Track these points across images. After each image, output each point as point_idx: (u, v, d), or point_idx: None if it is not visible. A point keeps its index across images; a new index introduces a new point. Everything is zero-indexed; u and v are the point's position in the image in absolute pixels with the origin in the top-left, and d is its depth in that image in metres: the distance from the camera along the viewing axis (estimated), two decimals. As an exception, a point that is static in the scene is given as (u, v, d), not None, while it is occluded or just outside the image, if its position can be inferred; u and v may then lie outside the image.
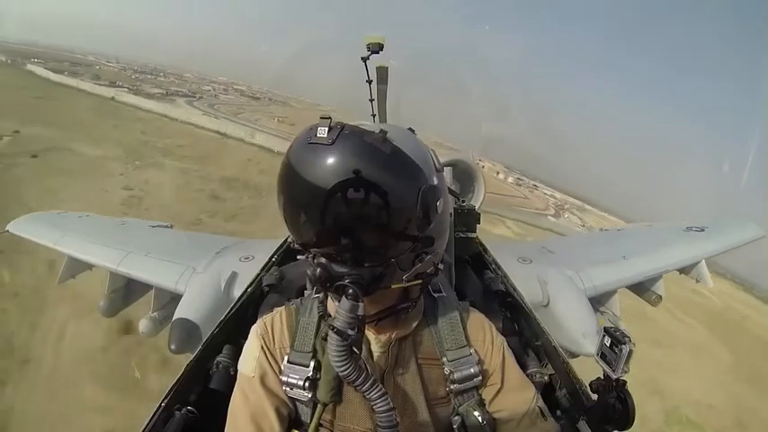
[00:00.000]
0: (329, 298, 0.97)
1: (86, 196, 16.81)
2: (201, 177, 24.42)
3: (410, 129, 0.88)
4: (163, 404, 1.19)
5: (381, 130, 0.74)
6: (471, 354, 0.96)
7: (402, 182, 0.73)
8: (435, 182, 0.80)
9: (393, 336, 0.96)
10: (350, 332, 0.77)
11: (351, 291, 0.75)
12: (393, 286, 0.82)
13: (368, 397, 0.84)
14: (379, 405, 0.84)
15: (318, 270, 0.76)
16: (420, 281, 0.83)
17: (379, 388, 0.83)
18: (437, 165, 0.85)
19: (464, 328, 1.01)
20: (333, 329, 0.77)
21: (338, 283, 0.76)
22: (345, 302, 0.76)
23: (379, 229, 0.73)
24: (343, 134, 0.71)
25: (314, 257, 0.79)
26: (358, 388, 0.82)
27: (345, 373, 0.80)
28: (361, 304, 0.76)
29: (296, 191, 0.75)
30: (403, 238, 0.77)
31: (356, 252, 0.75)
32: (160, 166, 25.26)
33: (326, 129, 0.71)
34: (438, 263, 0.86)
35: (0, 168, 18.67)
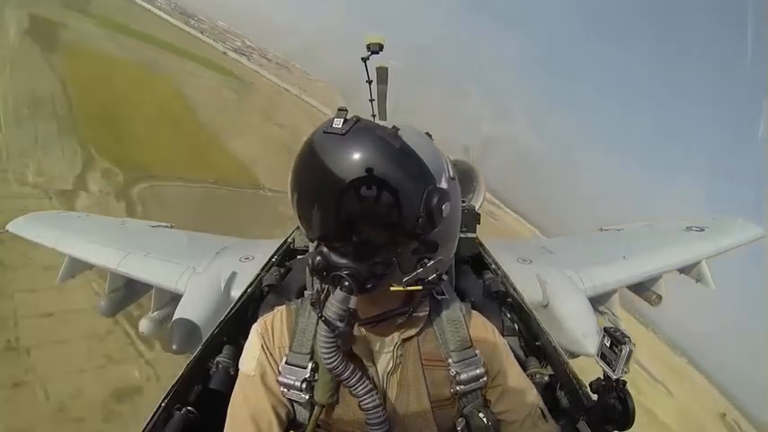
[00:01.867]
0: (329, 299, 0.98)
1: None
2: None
3: (427, 133, 0.88)
4: (163, 404, 1.19)
5: (394, 126, 0.76)
6: (476, 355, 0.97)
7: (408, 179, 0.74)
8: (445, 186, 0.80)
9: (397, 337, 0.97)
10: (339, 323, 0.78)
11: (346, 283, 0.76)
12: (392, 288, 0.82)
13: (354, 393, 0.85)
14: (365, 401, 0.85)
15: (318, 258, 0.78)
16: (420, 287, 0.83)
17: (365, 384, 0.84)
18: (450, 172, 0.86)
19: (467, 330, 1.01)
20: (321, 318, 0.78)
21: (335, 273, 0.77)
22: (338, 293, 0.77)
23: (380, 223, 0.73)
24: (356, 126, 0.73)
25: (317, 246, 0.81)
26: (345, 382, 0.84)
27: (333, 364, 0.81)
28: (353, 297, 0.77)
29: (305, 177, 0.77)
30: (404, 236, 0.77)
31: (356, 244, 0.76)
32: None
33: (342, 120, 0.73)
34: (442, 272, 0.86)
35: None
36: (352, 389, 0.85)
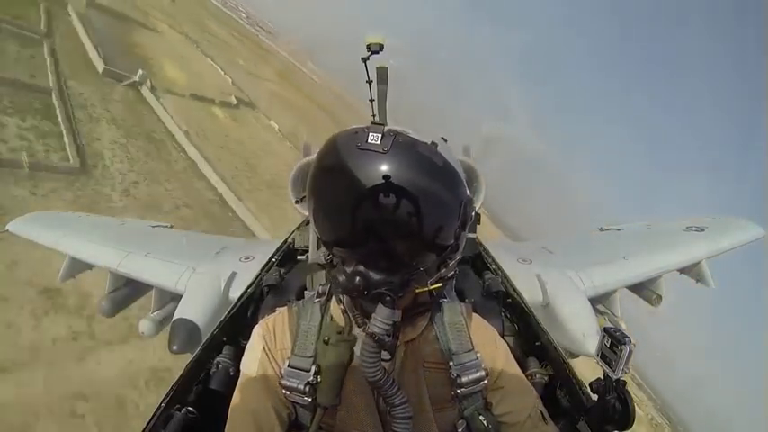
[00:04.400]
0: (331, 301, 0.98)
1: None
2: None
3: (443, 138, 0.88)
4: (163, 404, 1.19)
5: (432, 142, 0.76)
6: (477, 357, 0.97)
7: (451, 195, 0.76)
8: (469, 193, 0.82)
9: (399, 339, 0.97)
10: (386, 338, 0.78)
11: (388, 298, 0.76)
12: (417, 290, 0.83)
13: (391, 402, 0.85)
14: (399, 411, 0.85)
15: (357, 278, 0.77)
16: (440, 284, 0.86)
17: (402, 395, 0.85)
18: (462, 174, 0.87)
19: (468, 333, 1.01)
20: (372, 336, 0.78)
21: (375, 290, 0.77)
22: (383, 310, 0.77)
23: (424, 239, 0.75)
24: (396, 142, 0.72)
25: (344, 263, 0.80)
26: (384, 392, 0.84)
27: (376, 378, 0.82)
28: (397, 311, 0.78)
29: (344, 195, 0.74)
30: (442, 248, 0.79)
31: (396, 259, 0.76)
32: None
33: (380, 135, 0.71)
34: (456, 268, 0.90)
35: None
36: (388, 399, 0.85)
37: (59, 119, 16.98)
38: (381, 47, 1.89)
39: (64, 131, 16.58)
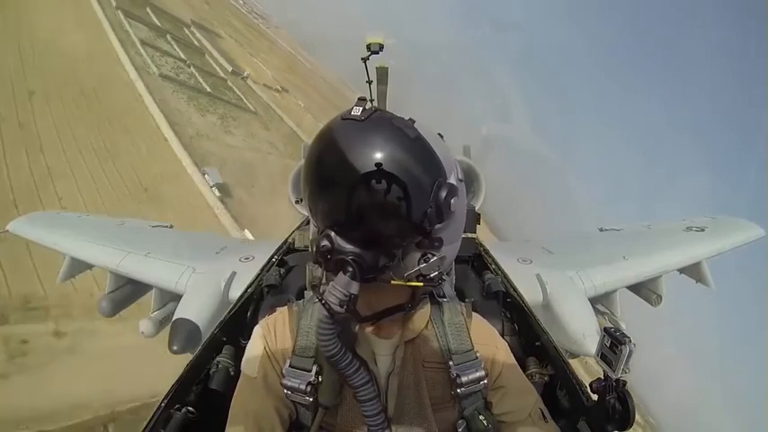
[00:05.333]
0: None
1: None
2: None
3: (439, 134, 0.89)
4: (163, 404, 1.19)
5: (410, 118, 0.78)
6: (477, 357, 0.97)
7: (420, 169, 0.75)
8: (454, 182, 0.81)
9: (399, 339, 0.97)
10: (339, 309, 0.76)
11: (350, 268, 0.75)
12: (392, 281, 0.82)
13: (351, 383, 0.84)
14: (361, 393, 0.85)
15: (324, 241, 0.77)
16: (421, 283, 0.83)
17: (362, 375, 0.84)
18: (459, 174, 0.87)
19: (468, 333, 1.01)
20: (322, 302, 0.77)
21: (339, 256, 0.76)
22: (341, 278, 0.76)
23: (390, 211, 0.73)
24: (375, 114, 0.75)
25: (323, 231, 0.80)
26: (342, 371, 0.83)
27: (331, 352, 0.81)
28: (355, 283, 0.76)
29: (320, 162, 0.78)
30: (411, 227, 0.77)
31: (363, 231, 0.76)
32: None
33: (361, 108, 0.75)
34: (444, 272, 0.86)
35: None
36: (349, 379, 0.84)
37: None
38: (381, 47, 1.90)
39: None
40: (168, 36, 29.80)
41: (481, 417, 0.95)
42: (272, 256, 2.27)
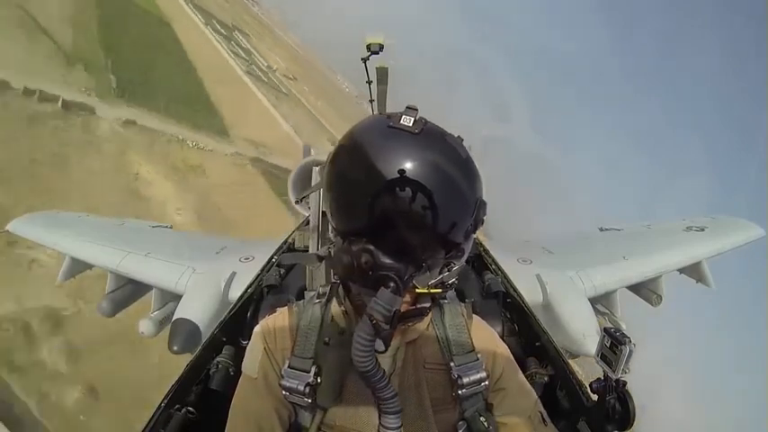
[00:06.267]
0: (332, 302, 0.98)
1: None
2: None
3: (459, 137, 0.89)
4: (163, 404, 1.19)
5: (459, 136, 0.77)
6: (478, 359, 0.97)
7: (470, 188, 0.75)
8: (484, 198, 0.81)
9: (400, 340, 0.97)
10: (384, 326, 0.74)
11: (393, 283, 0.72)
12: (417, 290, 0.82)
13: (380, 396, 0.84)
14: (388, 406, 0.84)
15: (364, 256, 0.74)
16: (440, 290, 0.84)
17: (391, 389, 0.84)
18: None
19: (469, 334, 1.01)
20: (370, 319, 0.73)
21: (381, 272, 0.73)
22: (385, 293, 0.72)
23: (437, 227, 0.73)
24: (428, 126, 0.73)
25: (351, 244, 0.76)
26: (373, 384, 0.82)
27: (367, 368, 0.79)
28: (399, 299, 0.73)
29: (366, 172, 0.72)
30: (450, 243, 0.77)
31: (407, 245, 0.74)
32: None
33: (412, 119, 0.72)
34: (458, 277, 0.87)
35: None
36: (378, 392, 0.84)
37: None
38: (381, 47, 1.90)
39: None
40: (232, 42, 37.54)
41: (482, 418, 0.95)
42: (272, 256, 2.28)
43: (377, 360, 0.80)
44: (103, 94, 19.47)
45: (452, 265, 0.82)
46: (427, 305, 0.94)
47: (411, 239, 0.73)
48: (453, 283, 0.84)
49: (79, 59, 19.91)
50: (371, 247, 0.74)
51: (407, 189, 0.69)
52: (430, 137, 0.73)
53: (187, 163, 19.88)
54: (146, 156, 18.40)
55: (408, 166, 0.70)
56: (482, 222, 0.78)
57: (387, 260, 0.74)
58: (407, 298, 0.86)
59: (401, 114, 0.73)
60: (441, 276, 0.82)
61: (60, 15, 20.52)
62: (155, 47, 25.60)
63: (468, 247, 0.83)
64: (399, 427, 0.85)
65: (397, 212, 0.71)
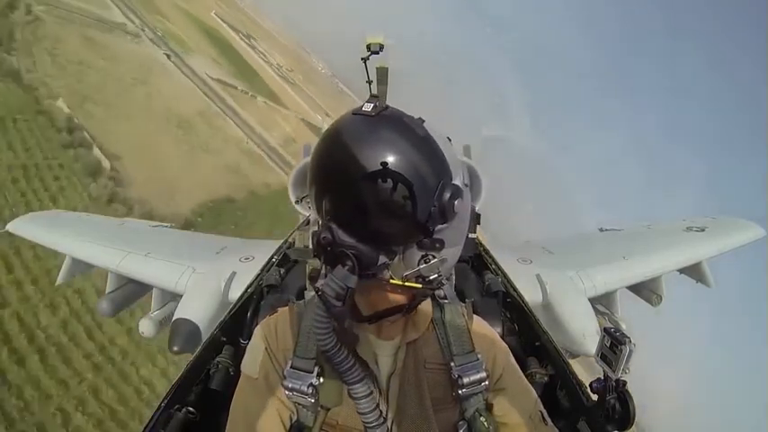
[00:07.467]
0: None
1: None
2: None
3: (447, 138, 0.89)
4: (163, 404, 1.19)
5: (420, 118, 0.79)
6: (479, 359, 0.97)
7: (427, 168, 0.74)
8: (459, 185, 0.80)
9: (400, 340, 0.97)
10: (335, 302, 0.75)
11: (349, 262, 0.74)
12: (391, 281, 0.81)
13: (346, 380, 0.84)
14: (356, 390, 0.84)
15: (325, 234, 0.76)
16: (420, 285, 0.82)
17: (358, 373, 0.84)
18: (465, 178, 0.86)
19: (469, 334, 1.01)
20: (319, 294, 0.75)
21: (339, 249, 0.75)
22: (340, 270, 0.74)
23: (394, 209, 0.73)
24: (386, 111, 0.76)
25: (321, 225, 0.80)
26: (337, 367, 0.83)
27: (327, 346, 0.80)
28: (353, 276, 0.74)
29: (328, 156, 0.78)
30: (414, 226, 0.76)
31: (365, 227, 0.75)
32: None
33: (372, 105, 0.76)
34: (445, 276, 0.86)
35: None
36: (344, 376, 0.84)
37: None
38: (381, 47, 1.89)
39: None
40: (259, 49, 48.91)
41: (482, 418, 0.95)
42: (272, 256, 2.28)
43: (338, 341, 0.81)
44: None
45: (429, 257, 0.81)
46: (406, 303, 0.91)
47: (366, 219, 0.74)
48: (436, 279, 0.82)
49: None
50: (332, 226, 0.77)
51: (359, 166, 0.71)
52: (385, 118, 0.75)
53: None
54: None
55: (362, 146, 0.72)
56: (452, 209, 0.76)
57: (345, 238, 0.76)
58: (399, 293, 0.85)
59: (364, 102, 0.77)
60: (417, 269, 0.81)
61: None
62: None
63: (448, 239, 0.82)
64: (373, 410, 0.87)
65: (351, 191, 0.73)
